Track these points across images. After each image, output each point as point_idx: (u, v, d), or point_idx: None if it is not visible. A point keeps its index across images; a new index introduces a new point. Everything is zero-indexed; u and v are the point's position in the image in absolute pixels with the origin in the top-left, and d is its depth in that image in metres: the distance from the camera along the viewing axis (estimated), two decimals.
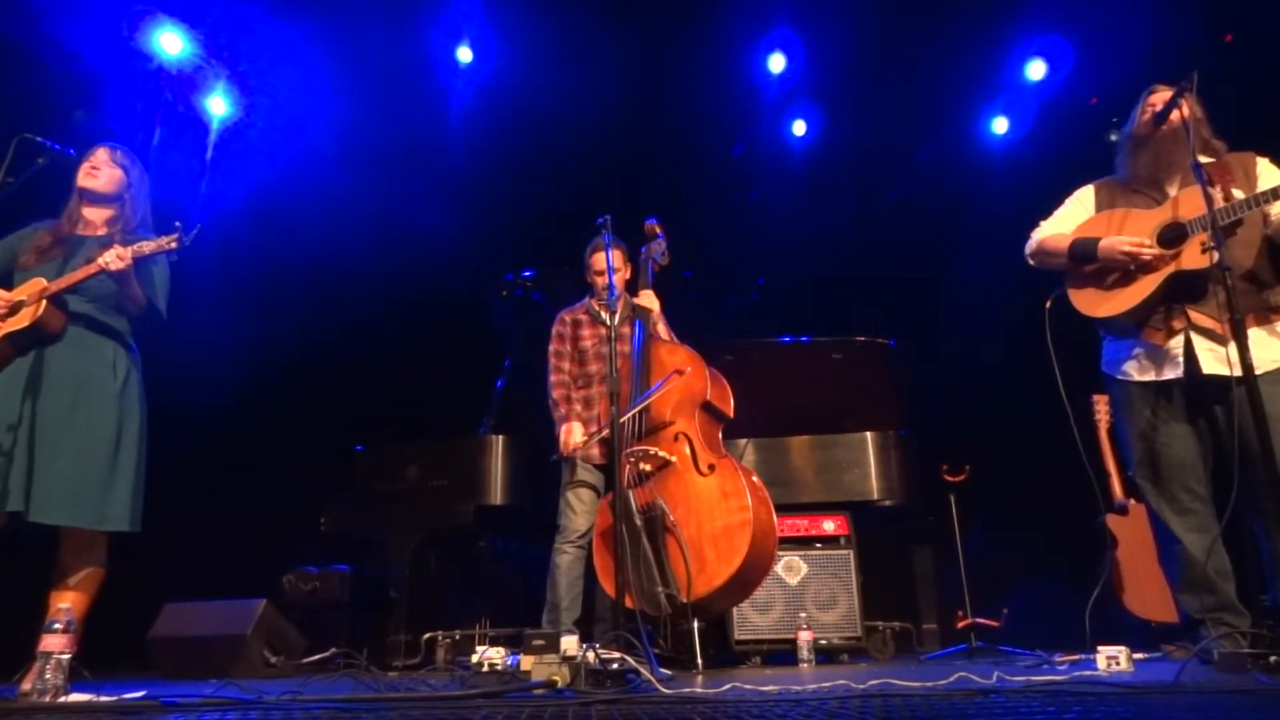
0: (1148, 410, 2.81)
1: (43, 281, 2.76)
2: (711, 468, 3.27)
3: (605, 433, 3.39)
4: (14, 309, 2.74)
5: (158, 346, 3.03)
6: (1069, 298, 2.91)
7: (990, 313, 5.33)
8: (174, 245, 2.74)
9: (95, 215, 2.97)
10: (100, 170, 2.95)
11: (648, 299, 3.65)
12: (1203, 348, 2.68)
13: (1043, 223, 3.06)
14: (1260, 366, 2.58)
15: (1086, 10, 5.42)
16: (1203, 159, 2.77)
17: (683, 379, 3.41)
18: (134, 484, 2.80)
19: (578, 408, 3.67)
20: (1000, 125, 6.17)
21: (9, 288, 2.81)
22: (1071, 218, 2.99)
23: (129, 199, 2.99)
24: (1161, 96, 2.85)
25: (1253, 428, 2.37)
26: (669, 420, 3.41)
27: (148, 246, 2.73)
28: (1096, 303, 2.85)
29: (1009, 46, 5.77)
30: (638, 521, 3.23)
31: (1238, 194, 2.62)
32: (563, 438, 3.57)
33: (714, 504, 3.20)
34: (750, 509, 3.13)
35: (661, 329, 3.69)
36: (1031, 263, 3.06)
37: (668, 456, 3.33)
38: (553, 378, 3.73)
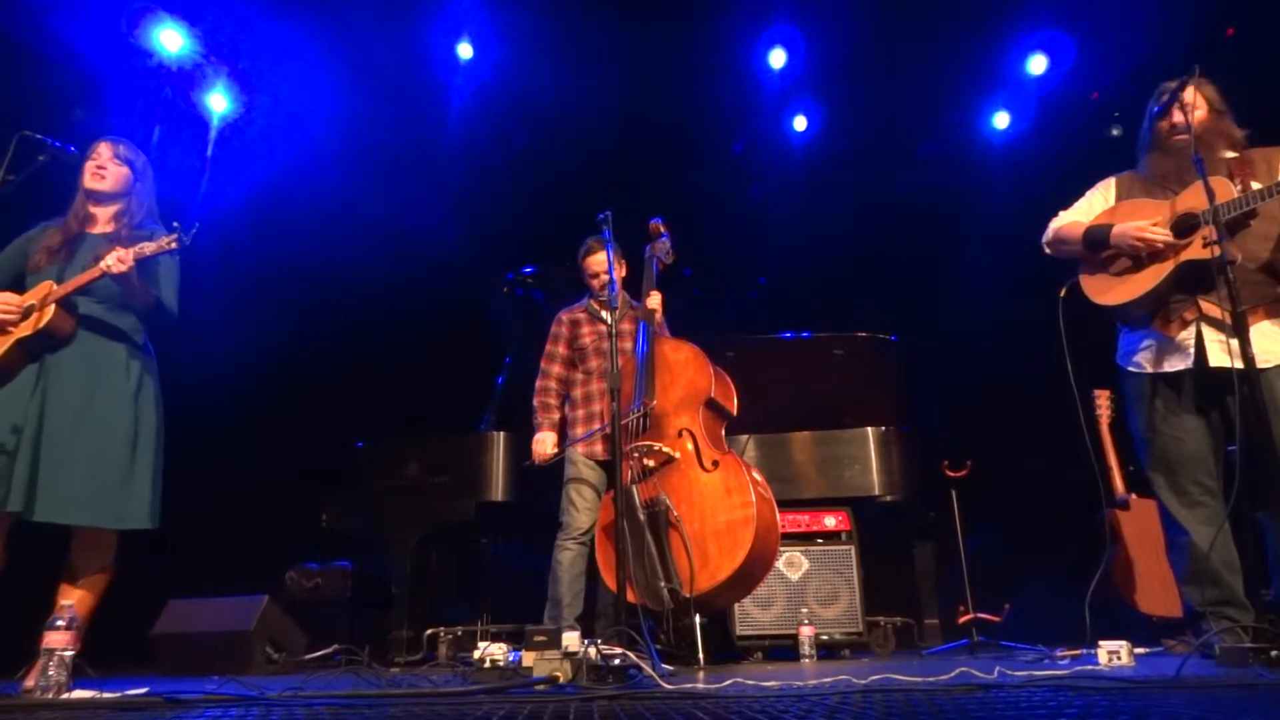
0: (1159, 402, 2.80)
1: (51, 284, 2.74)
2: (715, 464, 3.27)
3: (607, 429, 3.40)
4: (25, 313, 2.72)
5: (159, 344, 3.03)
6: (1081, 285, 2.91)
7: (992, 308, 5.33)
8: (173, 245, 2.73)
9: (101, 212, 2.96)
10: (106, 170, 2.93)
11: (655, 301, 3.65)
12: (1212, 339, 2.67)
13: (1062, 212, 3.05)
14: (1270, 359, 2.58)
15: (1087, 5, 5.41)
16: (1228, 154, 2.77)
17: (651, 404, 3.42)
18: (153, 482, 2.81)
19: (555, 415, 3.69)
20: (1001, 120, 6.16)
21: (22, 290, 2.79)
22: (1091, 208, 2.99)
23: (134, 194, 2.98)
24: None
25: (1257, 421, 2.37)
26: (673, 417, 3.42)
27: (148, 248, 2.71)
28: (1107, 290, 2.85)
29: (1010, 41, 5.77)
30: (641, 516, 3.23)
31: (1256, 187, 2.61)
32: (535, 448, 3.63)
33: (717, 500, 3.20)
34: (753, 505, 3.13)
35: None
36: (1048, 250, 3.05)
37: (671, 452, 3.33)
38: (539, 382, 3.75)
